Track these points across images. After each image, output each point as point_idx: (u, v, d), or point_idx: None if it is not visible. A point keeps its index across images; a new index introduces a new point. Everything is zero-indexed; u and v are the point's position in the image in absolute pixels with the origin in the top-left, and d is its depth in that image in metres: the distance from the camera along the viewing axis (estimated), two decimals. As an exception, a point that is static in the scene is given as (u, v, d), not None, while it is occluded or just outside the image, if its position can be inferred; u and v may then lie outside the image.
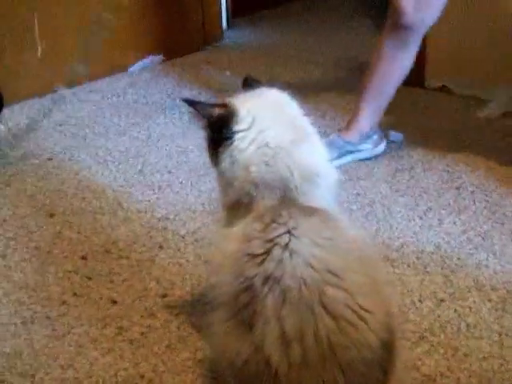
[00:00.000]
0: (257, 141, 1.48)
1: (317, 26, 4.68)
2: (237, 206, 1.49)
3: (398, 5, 2.54)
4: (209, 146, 1.57)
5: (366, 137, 2.78)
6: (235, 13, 4.69)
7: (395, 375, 1.38)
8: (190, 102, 1.55)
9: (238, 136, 1.49)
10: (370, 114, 2.76)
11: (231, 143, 1.49)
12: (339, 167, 2.64)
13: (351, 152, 2.76)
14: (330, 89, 3.54)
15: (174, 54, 4.06)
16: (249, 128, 1.49)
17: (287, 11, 4.93)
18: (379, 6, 5.07)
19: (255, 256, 1.34)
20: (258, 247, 1.35)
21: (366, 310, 1.32)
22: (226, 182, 1.52)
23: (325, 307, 1.29)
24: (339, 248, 1.36)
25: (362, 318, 1.31)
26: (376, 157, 2.82)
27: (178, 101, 3.42)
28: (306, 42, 4.35)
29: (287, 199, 1.44)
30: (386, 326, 1.36)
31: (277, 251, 1.33)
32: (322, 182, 1.51)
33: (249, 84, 1.67)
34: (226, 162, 1.50)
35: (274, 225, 1.36)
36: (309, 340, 1.28)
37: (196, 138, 2.97)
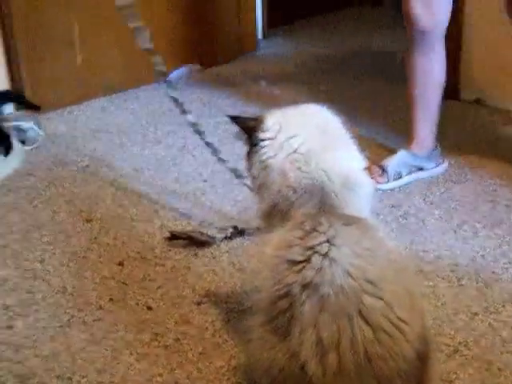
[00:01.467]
0: (285, 147, 1.54)
1: (350, 36, 4.68)
2: (274, 212, 1.52)
3: (408, 12, 2.60)
4: (245, 156, 1.64)
5: (430, 152, 2.79)
6: (271, 23, 4.71)
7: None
8: (232, 118, 1.62)
9: (264, 143, 1.56)
10: (425, 126, 2.76)
11: (258, 150, 1.57)
12: (405, 185, 2.70)
13: (419, 168, 2.77)
14: (366, 99, 3.55)
15: (210, 64, 4.09)
16: (275, 136, 1.56)
17: (321, 22, 4.94)
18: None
19: (295, 263, 1.36)
20: (297, 254, 1.37)
21: (403, 321, 1.33)
22: (259, 188, 1.57)
23: (363, 316, 1.31)
24: (378, 259, 1.37)
25: (398, 329, 1.32)
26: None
27: (213, 110, 3.46)
28: (341, 53, 4.35)
29: (326, 206, 1.47)
30: (422, 338, 1.37)
31: (316, 259, 1.35)
32: (360, 190, 1.54)
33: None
34: (255, 168, 1.58)
35: (314, 233, 1.38)
36: (345, 348, 1.30)
37: (231, 147, 3.00)
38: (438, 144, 2.82)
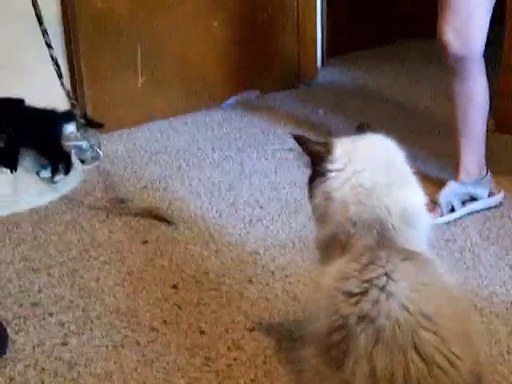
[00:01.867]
0: (351, 181, 1.53)
1: (409, 68, 4.68)
2: (332, 244, 1.52)
3: (440, 39, 2.58)
4: (308, 181, 1.63)
5: (479, 179, 2.77)
6: (330, 52, 4.73)
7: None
8: (297, 138, 1.60)
9: (332, 174, 1.55)
10: (469, 152, 2.74)
11: (325, 180, 1.55)
12: (461, 219, 2.68)
13: (472, 198, 2.74)
14: (425, 132, 3.53)
15: (268, 90, 4.12)
16: (343, 168, 1.54)
17: (380, 53, 4.94)
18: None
19: (352, 295, 1.36)
20: (354, 287, 1.37)
21: (457, 357, 1.32)
22: (319, 217, 1.57)
23: (417, 350, 1.30)
24: (435, 294, 1.37)
25: (453, 365, 1.31)
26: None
27: (270, 137, 3.48)
28: (399, 85, 4.35)
29: (385, 239, 1.47)
30: (476, 375, 1.36)
31: (374, 292, 1.35)
32: (419, 224, 1.54)
33: (361, 129, 1.71)
34: (318, 198, 1.57)
35: (372, 266, 1.38)
36: (399, 382, 1.29)
37: (288, 175, 3.02)
38: (489, 171, 2.78)
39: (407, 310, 1.33)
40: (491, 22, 2.56)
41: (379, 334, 1.32)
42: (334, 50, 4.77)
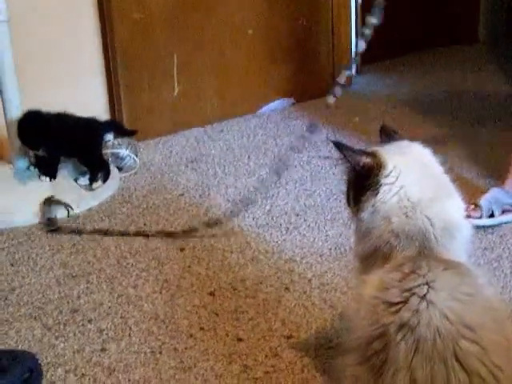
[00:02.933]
0: (399, 194, 1.51)
1: (446, 76, 4.65)
2: (374, 255, 1.52)
3: None
4: (349, 191, 1.62)
5: None
6: (365, 59, 4.72)
7: None
8: (339, 145, 1.57)
9: (384, 188, 1.52)
10: None
11: (376, 194, 1.53)
12: (499, 226, 2.66)
13: None
14: (460, 143, 3.51)
15: (303, 98, 4.12)
16: (394, 182, 1.52)
17: (417, 60, 4.92)
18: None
19: (392, 304, 1.36)
20: (395, 296, 1.37)
21: (499, 368, 1.32)
22: (364, 230, 1.55)
23: (458, 360, 1.30)
24: (476, 304, 1.36)
25: (494, 376, 1.31)
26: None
27: (307, 144, 3.48)
28: (436, 93, 4.33)
29: (426, 250, 1.47)
30: None
31: (414, 301, 1.35)
32: (459, 235, 1.53)
33: (386, 133, 1.70)
34: (367, 211, 1.54)
35: (413, 275, 1.38)
36: None
37: (323, 183, 3.02)
38: None
39: (448, 319, 1.32)
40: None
41: (419, 343, 1.31)
42: (369, 57, 4.76)
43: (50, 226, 2.72)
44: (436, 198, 1.51)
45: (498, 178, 2.80)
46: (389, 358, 1.33)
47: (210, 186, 3.06)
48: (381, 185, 1.52)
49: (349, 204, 1.63)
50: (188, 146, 3.49)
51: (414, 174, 1.54)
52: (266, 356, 1.98)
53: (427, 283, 1.36)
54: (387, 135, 1.69)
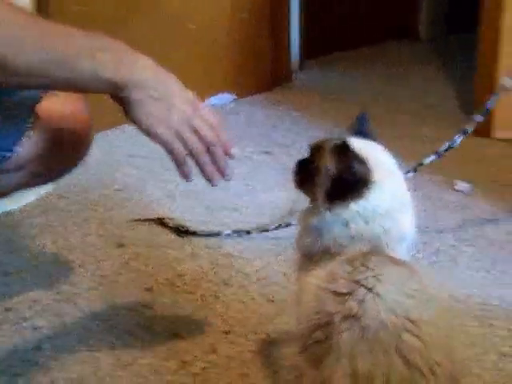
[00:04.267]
0: (372, 205, 1.48)
1: (387, 72, 4.70)
2: (321, 253, 1.51)
3: None
4: (322, 186, 1.53)
5: None
6: (306, 54, 4.74)
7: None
8: (341, 148, 1.50)
9: (363, 198, 1.48)
10: None
11: (353, 202, 1.48)
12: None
13: None
14: (398, 141, 3.54)
15: (244, 93, 4.12)
16: (373, 194, 1.49)
17: (358, 55, 4.96)
18: (452, 53, 5.09)
19: (339, 294, 1.36)
20: (343, 286, 1.36)
21: (438, 364, 1.32)
22: (318, 228, 1.53)
23: (400, 353, 1.30)
24: (421, 300, 1.37)
25: (432, 372, 1.31)
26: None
27: (246, 140, 3.47)
28: (376, 89, 4.36)
29: (377, 249, 1.47)
30: (453, 381, 1.36)
31: (361, 291, 1.34)
32: (406, 242, 1.54)
33: (361, 123, 1.67)
34: (332, 214, 1.50)
35: (362, 268, 1.38)
36: (378, 382, 1.29)
37: (264, 178, 3.02)
38: None
39: (394, 312, 1.32)
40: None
41: (363, 333, 1.31)
42: (310, 52, 4.78)
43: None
44: (396, 210, 1.51)
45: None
46: (331, 347, 1.32)
47: (148, 181, 3.03)
48: (362, 195, 1.48)
49: (312, 195, 1.57)
50: (128, 141, 3.45)
51: (389, 188, 1.51)
52: (204, 351, 1.95)
53: (375, 276, 1.36)
54: (360, 126, 1.67)
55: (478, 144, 3.41)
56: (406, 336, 1.31)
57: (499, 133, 3.50)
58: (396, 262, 1.44)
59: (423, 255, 2.46)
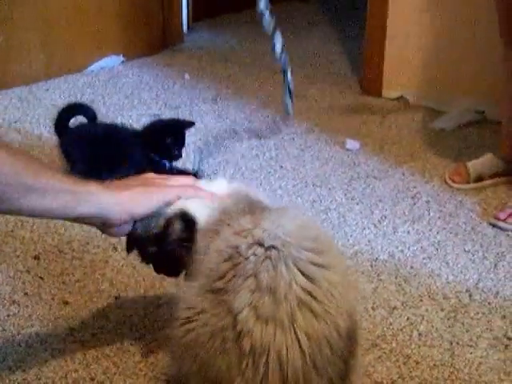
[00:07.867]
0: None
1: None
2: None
3: None
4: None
5: None
6: (196, 16, 4.69)
7: (353, 375, 1.39)
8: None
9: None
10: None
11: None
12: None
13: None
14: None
15: (133, 55, 4.03)
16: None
17: (247, 17, 4.92)
18: (341, 14, 5.13)
19: (243, 230, 1.39)
20: (246, 223, 1.41)
21: (338, 286, 1.35)
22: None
23: (300, 269, 1.33)
24: (315, 231, 1.44)
25: (333, 294, 1.33)
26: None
27: (135, 102, 3.41)
28: (265, 49, 4.34)
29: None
30: (352, 319, 1.38)
31: (264, 223, 1.39)
32: None
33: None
34: None
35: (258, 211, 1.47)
36: (280, 295, 1.30)
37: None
38: None
39: (293, 236, 1.37)
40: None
41: (268, 252, 1.33)
42: (200, 13, 4.73)
43: None
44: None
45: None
46: (237, 272, 1.33)
47: (34, 146, 2.94)
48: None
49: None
50: (11, 106, 3.34)
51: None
52: (94, 317, 1.92)
53: (272, 214, 1.44)
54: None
55: (367, 103, 3.45)
56: (307, 254, 1.35)
57: (388, 92, 3.55)
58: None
59: (312, 213, 2.48)
